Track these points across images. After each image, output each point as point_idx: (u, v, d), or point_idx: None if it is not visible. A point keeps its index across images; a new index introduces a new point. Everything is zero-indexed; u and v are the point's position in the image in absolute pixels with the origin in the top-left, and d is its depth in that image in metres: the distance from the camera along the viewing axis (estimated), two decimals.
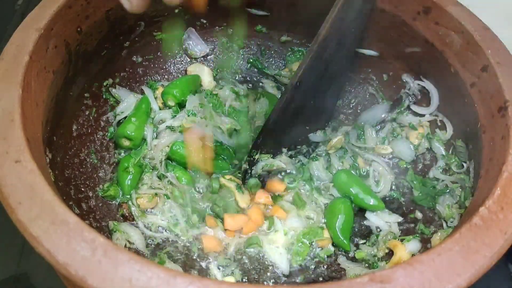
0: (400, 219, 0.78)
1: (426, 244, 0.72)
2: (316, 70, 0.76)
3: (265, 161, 0.79)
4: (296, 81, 0.73)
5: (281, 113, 0.75)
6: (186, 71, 0.96)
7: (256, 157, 0.79)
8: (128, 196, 0.79)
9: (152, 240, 0.76)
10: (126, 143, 0.83)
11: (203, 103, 0.88)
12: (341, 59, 0.80)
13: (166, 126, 0.85)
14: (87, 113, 0.82)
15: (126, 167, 0.79)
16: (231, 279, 0.72)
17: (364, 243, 0.77)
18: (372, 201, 0.79)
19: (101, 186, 0.79)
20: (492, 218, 0.50)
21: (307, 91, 0.76)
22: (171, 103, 0.88)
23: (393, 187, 0.83)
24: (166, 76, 0.94)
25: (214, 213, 0.79)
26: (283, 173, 0.83)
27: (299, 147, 0.84)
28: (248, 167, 0.80)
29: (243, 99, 0.92)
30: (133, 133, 0.82)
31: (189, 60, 0.96)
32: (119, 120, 0.86)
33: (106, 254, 0.43)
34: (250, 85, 0.97)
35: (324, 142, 0.87)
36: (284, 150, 0.82)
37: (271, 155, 0.81)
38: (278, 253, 0.76)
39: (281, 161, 0.80)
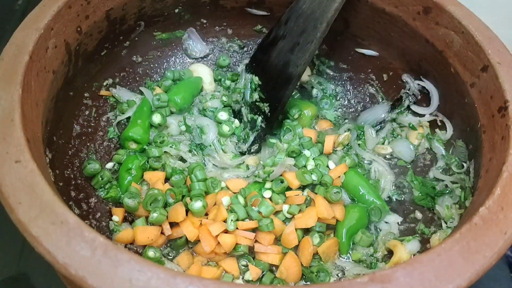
0: (400, 219, 0.78)
1: (425, 244, 0.72)
2: (297, 21, 0.78)
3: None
4: (286, 16, 0.80)
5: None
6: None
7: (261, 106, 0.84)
8: None
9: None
10: (133, 145, 0.82)
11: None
12: (313, 29, 0.77)
13: None
14: (87, 113, 0.82)
15: (129, 169, 0.79)
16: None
17: None
18: (377, 203, 0.78)
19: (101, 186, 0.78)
20: (492, 218, 0.50)
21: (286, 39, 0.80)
22: (173, 109, 0.87)
23: (393, 187, 0.83)
24: None
25: None
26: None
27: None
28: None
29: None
30: (140, 136, 0.81)
31: (189, 60, 0.96)
32: (119, 121, 0.86)
33: (106, 254, 0.43)
34: None
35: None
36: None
37: (268, 104, 0.83)
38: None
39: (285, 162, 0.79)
